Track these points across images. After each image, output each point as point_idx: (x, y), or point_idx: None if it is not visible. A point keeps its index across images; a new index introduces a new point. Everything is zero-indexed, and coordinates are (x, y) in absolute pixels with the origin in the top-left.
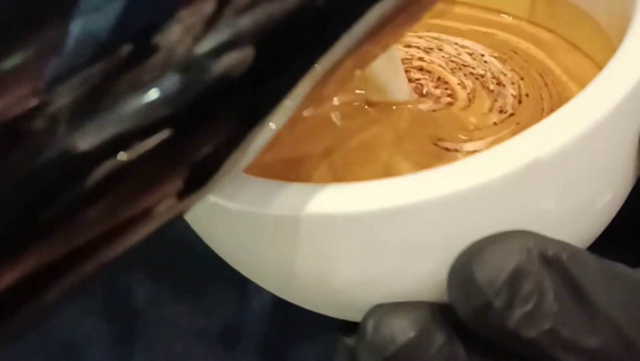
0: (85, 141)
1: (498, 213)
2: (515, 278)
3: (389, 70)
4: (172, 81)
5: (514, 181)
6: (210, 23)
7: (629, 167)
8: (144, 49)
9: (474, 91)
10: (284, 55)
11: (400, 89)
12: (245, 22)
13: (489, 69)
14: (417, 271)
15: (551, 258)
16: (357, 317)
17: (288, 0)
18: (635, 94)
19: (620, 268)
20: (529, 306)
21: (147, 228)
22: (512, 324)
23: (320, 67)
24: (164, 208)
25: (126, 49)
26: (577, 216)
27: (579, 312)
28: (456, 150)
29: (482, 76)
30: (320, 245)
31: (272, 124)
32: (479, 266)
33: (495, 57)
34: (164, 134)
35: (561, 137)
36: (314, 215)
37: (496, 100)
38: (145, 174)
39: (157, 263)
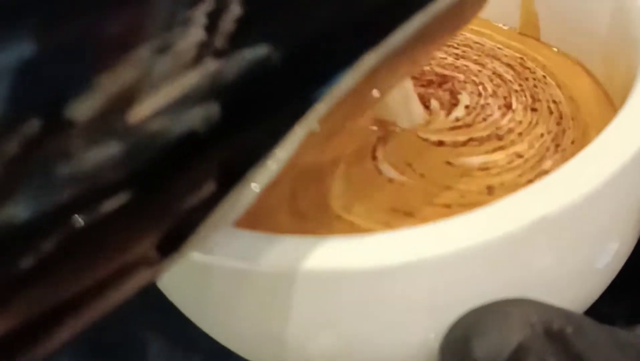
0: (24, 210)
1: (499, 274)
2: (518, 356)
3: (400, 94)
4: (109, 147)
5: (519, 239)
6: (145, 84)
7: (633, 225)
8: (57, 122)
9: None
10: (257, 111)
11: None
12: (197, 79)
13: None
14: (408, 338)
15: (555, 332)
16: None
17: (253, 54)
18: None
19: (623, 334)
20: None
21: (123, 291)
22: None
23: (313, 119)
24: (138, 270)
25: (35, 123)
26: (580, 276)
27: None
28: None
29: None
30: (312, 304)
31: (255, 185)
32: (479, 341)
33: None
34: (122, 197)
35: (570, 194)
36: (309, 271)
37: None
38: (111, 237)
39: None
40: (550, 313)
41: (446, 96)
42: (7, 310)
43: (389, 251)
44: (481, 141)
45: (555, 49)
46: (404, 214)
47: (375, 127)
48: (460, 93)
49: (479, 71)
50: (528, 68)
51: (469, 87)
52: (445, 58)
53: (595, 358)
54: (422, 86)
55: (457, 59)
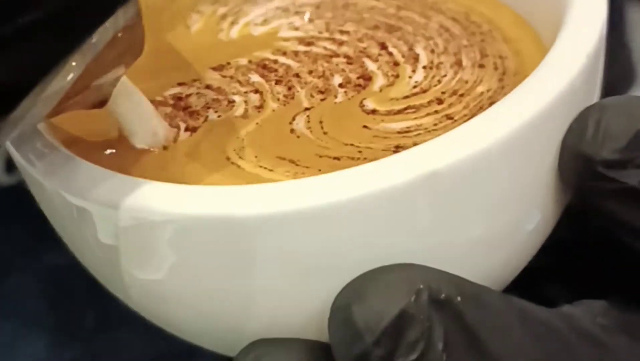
0: None
1: (391, 232)
2: (400, 323)
3: (134, 114)
4: None
5: (408, 193)
6: None
7: (550, 191)
8: None
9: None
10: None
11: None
12: None
13: None
14: (300, 298)
15: (443, 300)
16: (233, 351)
17: None
18: (554, 109)
19: (532, 308)
20: (413, 357)
21: None
22: None
23: None
24: None
25: None
26: (491, 244)
27: None
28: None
29: None
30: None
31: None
32: (360, 307)
33: None
34: None
35: (462, 150)
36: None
37: None
38: None
39: None
40: (438, 281)
41: (403, 47)
42: None
43: (274, 199)
44: (419, 107)
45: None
46: (289, 161)
47: None
48: (415, 46)
49: (426, 24)
50: (474, 22)
51: (421, 41)
52: (386, 9)
53: (487, 331)
54: (369, 28)
55: (399, 10)
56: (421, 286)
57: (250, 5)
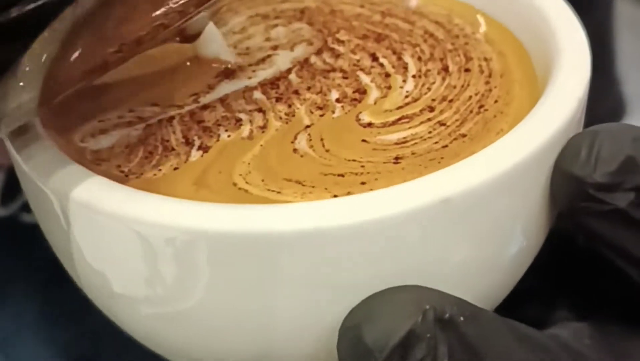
0: None
1: (397, 257)
2: (408, 342)
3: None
4: None
5: (419, 220)
6: None
7: (540, 216)
8: None
9: None
10: None
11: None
12: None
13: None
14: (309, 319)
15: (447, 320)
16: None
17: None
18: (553, 142)
19: (524, 329)
20: None
21: None
22: None
23: None
24: None
25: None
26: (484, 267)
27: None
28: None
29: None
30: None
31: None
32: (370, 327)
33: None
34: None
35: (475, 178)
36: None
37: None
38: None
39: None
40: (442, 301)
41: (392, 57)
42: None
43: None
44: (412, 117)
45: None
46: (295, 182)
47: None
48: (402, 55)
49: (410, 30)
50: (456, 24)
51: (408, 49)
52: (371, 16)
53: (489, 349)
54: (359, 38)
55: (384, 17)
56: (427, 307)
57: (231, 13)
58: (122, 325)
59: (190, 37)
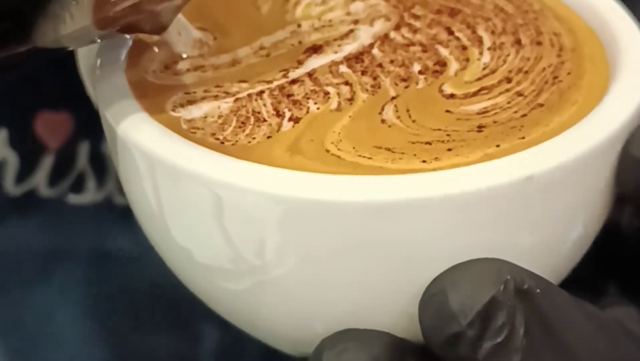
0: None
1: (481, 230)
2: (490, 309)
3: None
4: None
5: (503, 195)
6: None
7: (602, 203)
8: None
9: None
10: None
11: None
12: None
13: None
14: (387, 291)
15: (525, 291)
16: (309, 347)
17: None
18: (628, 126)
19: (589, 306)
20: (499, 339)
21: None
22: (481, 356)
23: None
24: None
25: None
26: (551, 248)
27: (547, 348)
28: None
29: None
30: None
31: None
32: (454, 293)
33: None
34: None
35: (557, 158)
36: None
37: None
38: None
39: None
40: (522, 273)
41: (467, 31)
42: None
43: (380, 189)
44: (491, 88)
45: None
46: (385, 149)
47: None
48: (476, 29)
49: (481, 5)
50: (525, 1)
51: (481, 23)
52: None
53: (560, 321)
54: (433, 13)
55: None
56: (508, 277)
57: None
58: (202, 295)
59: (158, 28)
